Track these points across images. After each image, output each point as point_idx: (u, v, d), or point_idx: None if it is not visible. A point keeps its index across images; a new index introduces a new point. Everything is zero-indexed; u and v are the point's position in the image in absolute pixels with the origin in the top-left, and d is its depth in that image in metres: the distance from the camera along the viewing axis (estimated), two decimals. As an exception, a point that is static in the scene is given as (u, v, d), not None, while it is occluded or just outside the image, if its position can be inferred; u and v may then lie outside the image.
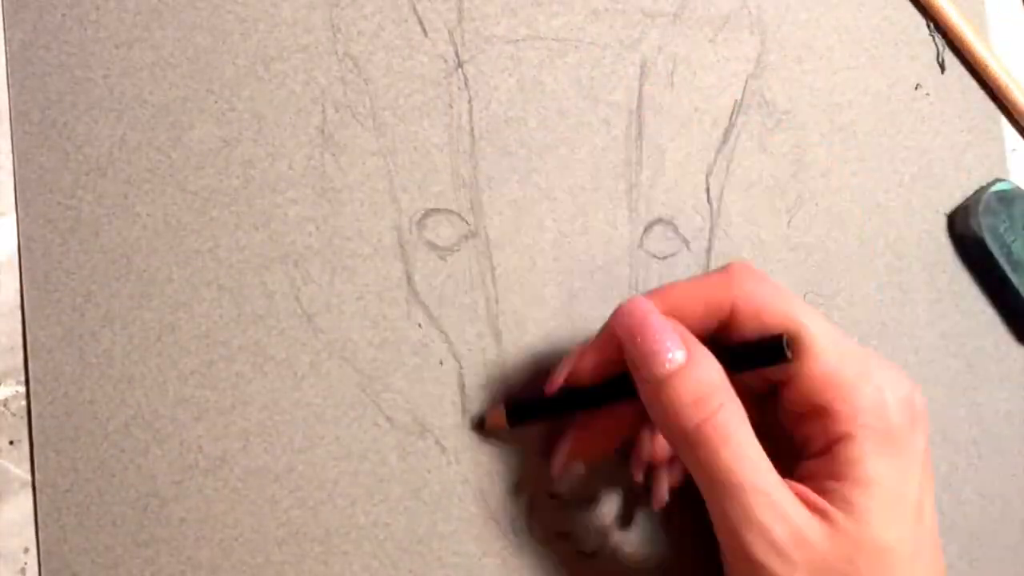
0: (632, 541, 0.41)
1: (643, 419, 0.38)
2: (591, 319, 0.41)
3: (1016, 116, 0.46)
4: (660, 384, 0.34)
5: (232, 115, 0.40)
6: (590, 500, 0.40)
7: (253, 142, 0.40)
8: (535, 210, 0.41)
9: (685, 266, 0.43)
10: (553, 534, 0.40)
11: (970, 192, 0.45)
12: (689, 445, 0.34)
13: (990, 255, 0.44)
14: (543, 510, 0.40)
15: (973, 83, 0.46)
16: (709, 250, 0.43)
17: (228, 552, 0.38)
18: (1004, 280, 0.44)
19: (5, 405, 0.38)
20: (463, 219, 0.41)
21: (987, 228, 0.44)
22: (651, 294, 0.37)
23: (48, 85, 0.39)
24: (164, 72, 0.40)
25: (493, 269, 0.41)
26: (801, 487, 0.35)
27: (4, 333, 0.38)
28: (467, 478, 0.40)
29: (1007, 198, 0.43)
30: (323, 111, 0.41)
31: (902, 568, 0.34)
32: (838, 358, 0.35)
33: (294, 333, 0.40)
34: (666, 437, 0.36)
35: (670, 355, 0.34)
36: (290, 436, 0.39)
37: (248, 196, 0.40)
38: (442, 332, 0.41)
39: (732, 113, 0.44)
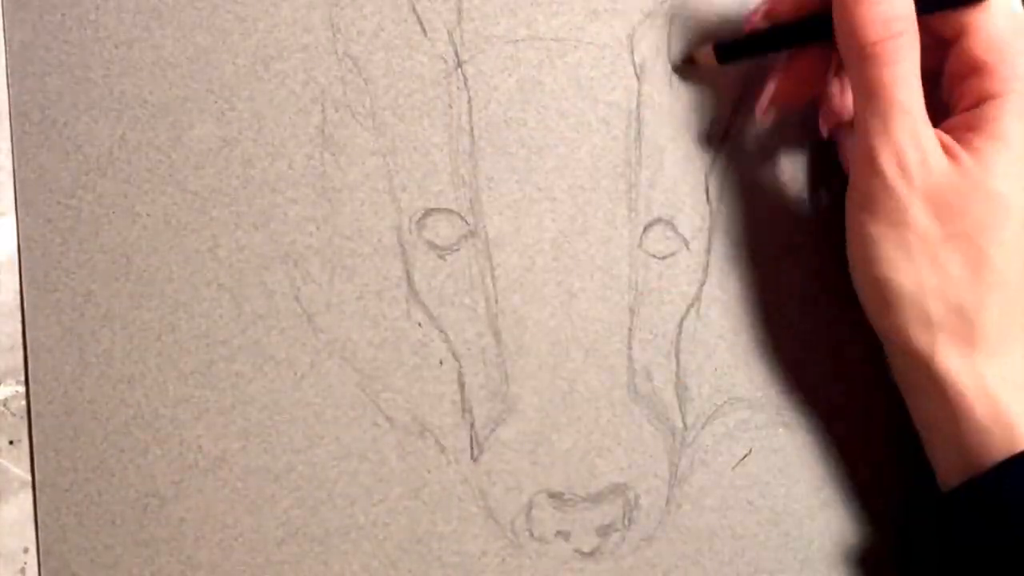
0: (632, 541, 0.41)
1: (837, 69, 0.41)
2: (590, 319, 0.41)
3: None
4: (847, 3, 0.37)
5: (232, 115, 0.40)
6: (590, 500, 0.40)
7: (253, 142, 0.40)
8: (534, 210, 0.41)
9: (684, 266, 0.43)
10: (552, 533, 0.40)
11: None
12: (862, 59, 0.37)
13: None
14: (542, 509, 0.40)
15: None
16: (709, 250, 0.43)
17: (228, 552, 0.38)
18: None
19: (5, 405, 0.38)
20: (463, 219, 0.41)
21: None
22: None
23: (48, 85, 0.39)
24: (164, 72, 0.40)
25: (493, 269, 0.41)
26: (942, 133, 0.38)
27: (4, 333, 0.38)
28: (467, 478, 0.40)
29: None
30: (323, 111, 0.41)
31: (1014, 221, 0.37)
32: (1010, 25, 0.38)
33: (294, 333, 0.40)
34: (843, 53, 0.38)
35: None
36: (290, 436, 0.39)
37: (248, 196, 0.40)
38: (442, 331, 0.41)
39: (731, 112, 0.44)
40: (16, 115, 0.39)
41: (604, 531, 0.40)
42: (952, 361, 0.37)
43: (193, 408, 0.39)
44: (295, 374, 0.40)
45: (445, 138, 0.41)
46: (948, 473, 0.39)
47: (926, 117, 0.37)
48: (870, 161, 0.37)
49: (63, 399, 0.38)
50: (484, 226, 0.41)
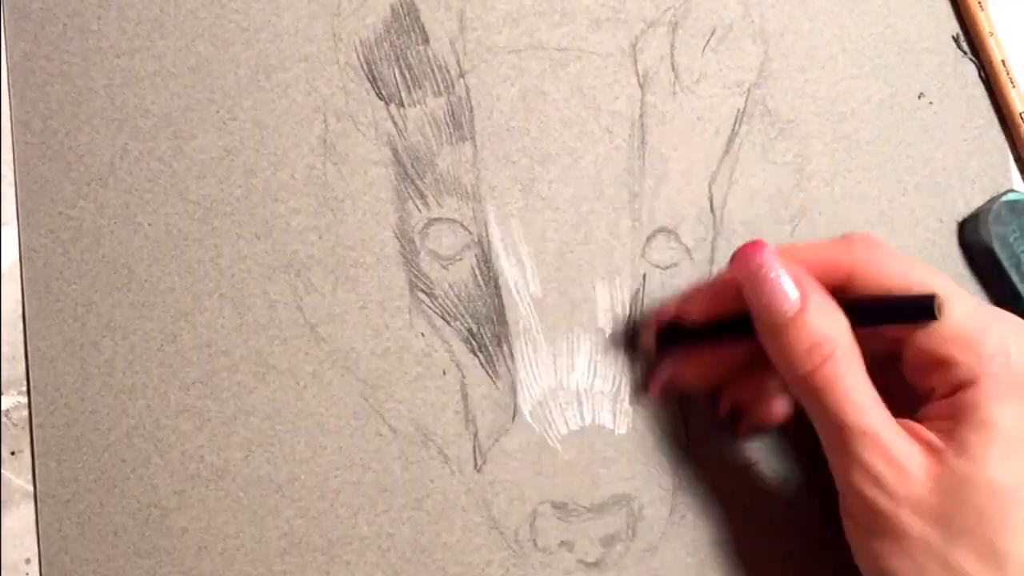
0: (635, 551, 0.41)
1: (752, 362, 0.39)
2: (594, 328, 0.41)
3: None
4: (775, 330, 0.36)
5: (234, 124, 0.40)
6: (594, 510, 0.40)
7: (255, 151, 0.40)
8: (537, 219, 0.41)
9: (687, 276, 0.42)
10: (556, 544, 0.40)
11: (975, 202, 0.45)
12: (803, 390, 0.36)
13: (999, 264, 0.43)
14: (546, 519, 0.40)
15: (977, 92, 0.46)
16: (712, 260, 0.43)
17: (230, 562, 0.38)
18: (1013, 291, 0.44)
19: (7, 415, 0.38)
20: (465, 228, 0.41)
21: (996, 237, 0.43)
22: (779, 249, 0.38)
23: (49, 95, 0.39)
24: (165, 81, 0.40)
25: (495, 278, 0.41)
26: (916, 426, 0.36)
27: (6, 343, 0.38)
28: (470, 488, 0.40)
29: (1018, 208, 0.43)
30: (325, 120, 0.41)
31: (1017, 507, 0.34)
32: (962, 313, 0.36)
33: (296, 342, 0.40)
34: (784, 379, 0.37)
35: (786, 304, 0.36)
36: (292, 446, 0.39)
37: (250, 205, 0.40)
38: (445, 342, 0.40)
39: (735, 122, 0.44)
40: (17, 125, 0.39)
41: (608, 541, 0.40)
42: None
43: (195, 418, 0.39)
44: (298, 384, 0.39)
45: (448, 148, 0.41)
46: None
47: (890, 424, 0.35)
48: (848, 486, 0.36)
49: (65, 409, 0.38)
50: (487, 236, 0.41)
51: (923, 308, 0.35)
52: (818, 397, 0.35)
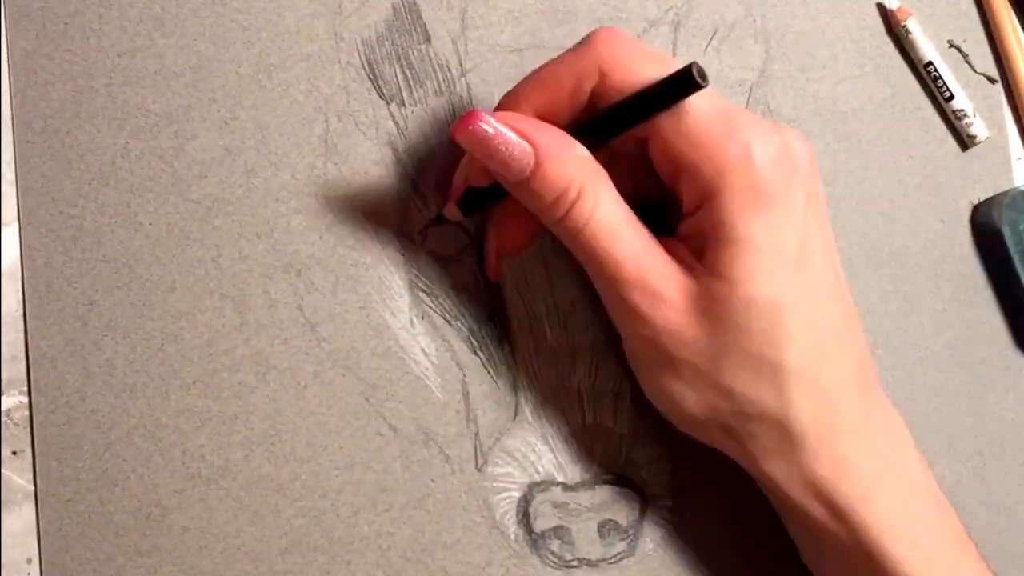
0: (636, 550, 0.41)
1: None
2: (594, 327, 0.41)
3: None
4: (520, 191, 0.36)
5: (235, 124, 0.40)
6: (594, 510, 0.40)
7: (256, 151, 0.40)
8: (539, 219, 0.41)
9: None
10: (557, 543, 0.40)
11: (975, 201, 0.45)
12: (563, 238, 0.36)
13: (1005, 248, 0.44)
14: (547, 519, 0.40)
15: (978, 92, 0.46)
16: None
17: (231, 562, 0.38)
18: (1015, 277, 0.44)
19: (8, 415, 0.38)
20: (465, 228, 0.41)
21: (1007, 222, 0.44)
22: (518, 86, 0.37)
23: (50, 94, 0.39)
24: (167, 81, 0.40)
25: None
26: (679, 245, 0.35)
27: (6, 343, 0.38)
28: (471, 487, 0.40)
29: None
30: (326, 120, 0.40)
31: (785, 319, 0.34)
32: (706, 113, 0.34)
33: (297, 342, 0.40)
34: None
35: (519, 167, 0.35)
36: (293, 445, 0.39)
37: (251, 205, 0.40)
38: (446, 341, 0.40)
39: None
40: (19, 124, 0.39)
41: (609, 541, 0.40)
42: (777, 469, 0.36)
43: (196, 418, 0.39)
44: (298, 384, 0.39)
45: (449, 147, 0.41)
46: None
47: (646, 250, 0.35)
48: (613, 317, 0.36)
49: (66, 409, 0.38)
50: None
51: (684, 81, 0.33)
52: (574, 239, 0.35)
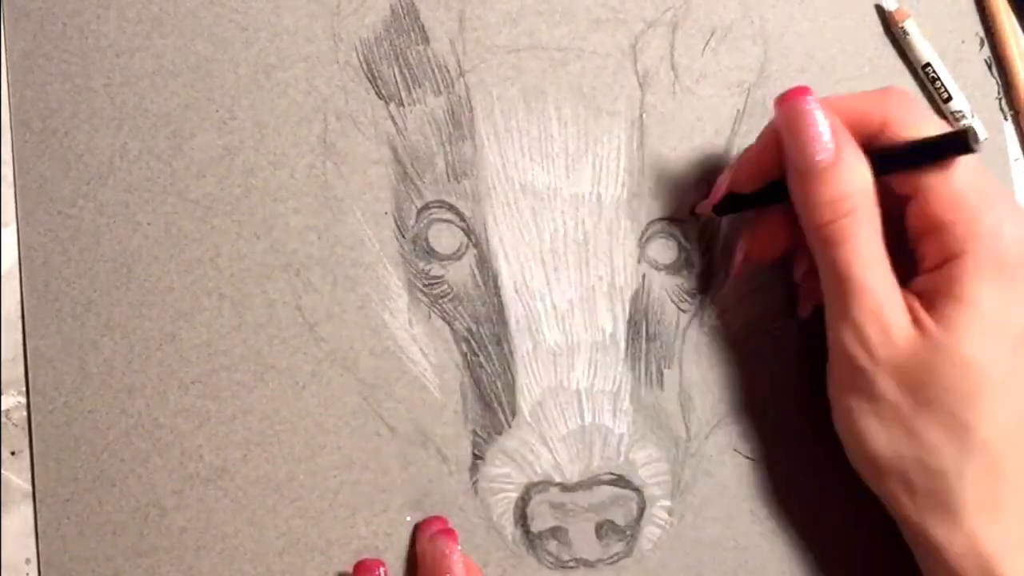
0: (635, 551, 0.41)
1: None
2: (593, 328, 0.41)
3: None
4: (804, 177, 0.37)
5: (233, 124, 0.40)
6: (593, 510, 0.40)
7: (254, 151, 0.40)
8: (536, 219, 0.41)
9: (687, 276, 0.42)
10: (555, 544, 0.40)
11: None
12: (817, 240, 0.37)
13: None
14: (544, 519, 0.40)
15: (978, 93, 0.46)
16: (712, 260, 0.43)
17: (229, 562, 0.38)
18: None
19: (6, 416, 0.38)
20: (464, 228, 0.41)
21: None
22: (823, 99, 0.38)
23: (49, 94, 0.39)
24: (165, 81, 0.40)
25: (495, 278, 0.41)
26: (910, 297, 0.37)
27: (5, 343, 0.38)
28: (469, 488, 0.40)
29: None
30: (324, 120, 0.41)
31: (989, 387, 0.35)
32: (971, 183, 0.36)
33: (295, 342, 0.40)
34: (803, 228, 0.38)
35: (821, 154, 0.37)
36: (291, 445, 0.39)
37: (249, 205, 0.40)
38: (444, 341, 0.40)
39: (735, 122, 0.44)
40: (17, 124, 0.39)
41: (607, 542, 0.40)
42: (940, 529, 0.36)
43: (194, 418, 0.39)
44: (297, 383, 0.39)
45: (447, 147, 0.41)
46: None
47: (890, 287, 0.36)
48: (835, 340, 0.37)
49: (64, 409, 0.38)
50: (486, 235, 0.41)
51: (958, 142, 0.35)
52: (830, 249, 0.36)
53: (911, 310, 0.36)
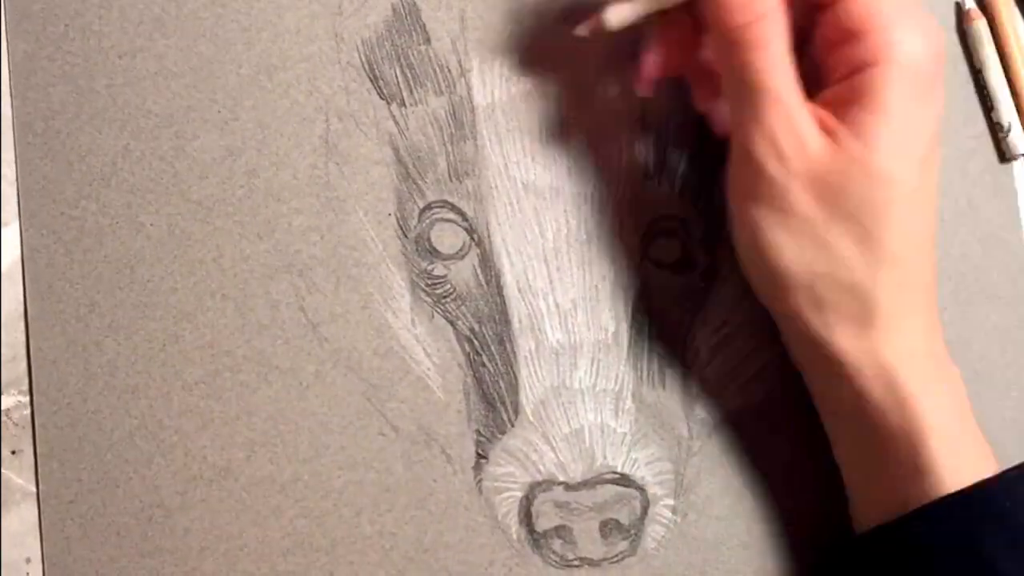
0: (638, 550, 0.41)
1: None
2: (596, 327, 0.41)
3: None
4: None
5: (235, 124, 0.40)
6: (596, 509, 0.40)
7: (257, 151, 0.40)
8: (539, 218, 0.41)
9: (690, 274, 0.42)
10: (559, 543, 0.40)
11: (976, 201, 0.45)
12: (728, 44, 0.35)
13: None
14: (549, 518, 0.40)
15: (974, 91, 0.46)
16: (715, 258, 0.43)
17: (233, 562, 0.38)
18: None
19: (8, 415, 0.38)
20: (467, 227, 0.41)
21: None
22: None
23: (51, 95, 0.39)
24: (167, 82, 0.40)
25: (497, 277, 0.41)
26: (819, 108, 0.36)
27: (7, 343, 0.38)
28: (473, 487, 0.40)
29: None
30: (327, 120, 0.41)
31: (900, 198, 0.35)
32: None
33: (299, 342, 0.40)
34: (711, 36, 0.36)
35: None
36: (295, 446, 0.39)
37: (252, 206, 0.40)
38: (447, 341, 0.40)
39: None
40: (19, 125, 0.39)
41: (611, 541, 0.40)
42: (847, 341, 0.36)
43: (198, 418, 0.39)
44: (300, 384, 0.39)
45: (449, 147, 0.41)
46: (864, 506, 0.38)
47: (800, 98, 0.35)
48: (745, 149, 0.36)
49: (67, 409, 0.38)
50: (488, 235, 0.41)
51: None
52: (742, 53, 0.35)
53: (821, 121, 0.35)
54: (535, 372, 0.41)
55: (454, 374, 0.40)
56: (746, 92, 0.35)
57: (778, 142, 0.35)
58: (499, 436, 0.40)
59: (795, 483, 0.42)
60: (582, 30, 0.39)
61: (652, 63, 0.40)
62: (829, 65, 0.37)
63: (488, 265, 0.41)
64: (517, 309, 0.41)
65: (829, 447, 0.40)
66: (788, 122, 0.35)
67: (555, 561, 0.40)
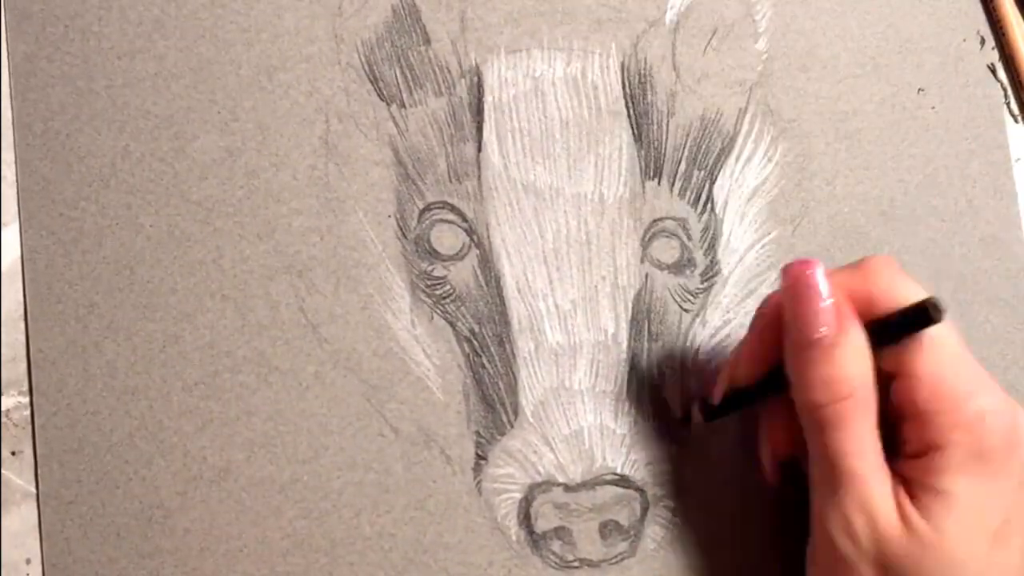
0: (638, 550, 0.41)
1: None
2: (595, 327, 0.41)
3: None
4: (804, 350, 0.36)
5: (235, 125, 0.40)
6: (596, 510, 0.40)
7: (256, 152, 0.40)
8: (538, 219, 0.41)
9: (689, 274, 0.42)
10: (559, 544, 0.40)
11: (976, 201, 0.45)
12: (811, 420, 0.36)
13: None
14: (548, 520, 0.40)
15: (979, 91, 0.46)
16: (714, 259, 0.43)
17: (233, 563, 0.38)
18: None
19: (8, 415, 0.38)
20: (466, 228, 0.41)
21: None
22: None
23: (51, 96, 0.39)
24: (167, 82, 0.40)
25: (497, 278, 0.41)
26: (898, 488, 0.36)
27: (6, 343, 0.38)
28: (472, 488, 0.40)
29: None
30: (326, 121, 0.41)
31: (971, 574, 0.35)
32: (951, 368, 0.36)
33: (299, 343, 0.40)
34: (796, 402, 0.37)
35: (822, 328, 0.35)
36: (295, 446, 0.39)
37: (252, 206, 0.40)
38: (447, 342, 0.40)
39: (736, 121, 0.44)
40: (19, 126, 0.39)
41: (610, 542, 0.40)
42: None
43: (197, 419, 0.39)
44: (300, 385, 0.39)
45: (449, 148, 0.41)
46: None
47: (881, 476, 0.36)
48: (821, 525, 0.36)
49: (67, 410, 0.38)
50: (488, 236, 0.41)
51: (920, 314, 0.35)
52: (824, 432, 0.35)
53: (898, 503, 0.35)
54: (535, 373, 0.41)
55: (454, 375, 0.40)
56: (826, 467, 0.36)
57: (851, 523, 0.35)
58: (498, 437, 0.40)
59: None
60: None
61: (772, 449, 0.40)
62: (902, 436, 0.37)
63: (488, 266, 0.41)
64: (517, 310, 0.41)
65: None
66: (864, 503, 0.35)
67: (554, 562, 0.40)
